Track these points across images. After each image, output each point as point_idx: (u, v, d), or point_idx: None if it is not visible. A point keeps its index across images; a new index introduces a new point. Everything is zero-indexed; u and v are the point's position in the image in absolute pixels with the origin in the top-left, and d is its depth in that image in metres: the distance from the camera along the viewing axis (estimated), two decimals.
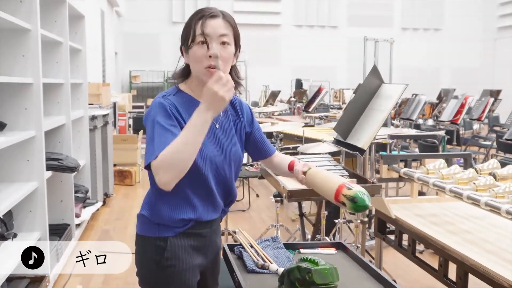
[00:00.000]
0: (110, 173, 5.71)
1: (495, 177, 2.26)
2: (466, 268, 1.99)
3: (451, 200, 2.74)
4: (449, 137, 5.65)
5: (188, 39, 1.41)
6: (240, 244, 1.71)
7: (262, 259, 1.57)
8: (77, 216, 4.05)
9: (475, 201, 2.04)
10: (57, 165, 3.40)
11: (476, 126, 9.92)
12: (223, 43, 1.40)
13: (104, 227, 4.64)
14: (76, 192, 4.14)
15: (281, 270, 1.49)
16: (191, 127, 1.29)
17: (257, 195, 5.80)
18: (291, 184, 2.27)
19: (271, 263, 1.54)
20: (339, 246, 1.76)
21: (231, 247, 1.71)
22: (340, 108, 8.96)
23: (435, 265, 2.29)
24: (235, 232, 4.22)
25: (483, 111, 7.33)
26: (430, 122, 8.67)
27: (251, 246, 1.68)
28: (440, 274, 2.18)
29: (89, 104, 4.78)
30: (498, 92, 10.69)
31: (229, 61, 1.43)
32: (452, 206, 2.76)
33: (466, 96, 6.35)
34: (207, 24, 1.38)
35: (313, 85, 10.44)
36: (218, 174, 1.46)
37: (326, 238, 3.48)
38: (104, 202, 5.30)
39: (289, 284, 1.32)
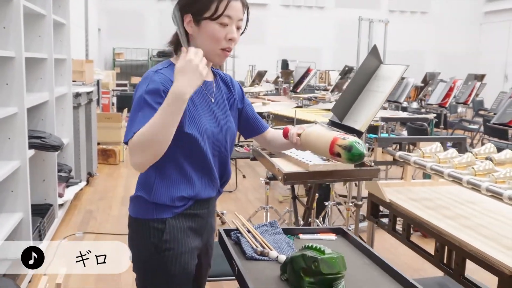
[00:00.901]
0: (94, 152, 5.59)
1: (492, 162, 2.22)
2: (464, 254, 1.95)
3: (445, 184, 2.70)
4: (437, 120, 5.64)
5: (204, 11, 1.35)
6: (237, 229, 1.64)
7: (261, 245, 1.50)
8: (60, 196, 3.95)
9: (476, 186, 1.99)
10: (40, 144, 3.28)
11: (460, 109, 9.99)
12: (238, 27, 1.40)
13: (87, 207, 4.54)
14: (59, 171, 4.03)
15: (281, 257, 1.43)
16: (167, 106, 1.21)
17: (244, 176, 5.75)
18: (286, 166, 2.21)
19: (271, 250, 1.47)
20: (339, 232, 1.71)
21: (227, 232, 1.63)
22: (326, 90, 8.89)
23: (427, 248, 2.25)
24: (223, 214, 4.17)
25: (470, 95, 7.33)
26: (415, 105, 8.67)
27: (248, 231, 1.61)
28: (437, 259, 2.14)
29: (73, 81, 4.64)
30: (482, 76, 10.73)
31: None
32: (446, 190, 2.72)
33: (455, 79, 6.33)
34: (232, 6, 1.36)
35: (299, 66, 10.34)
36: (215, 149, 1.44)
37: (317, 220, 3.45)
38: (88, 182, 5.19)
39: (292, 272, 1.25)
